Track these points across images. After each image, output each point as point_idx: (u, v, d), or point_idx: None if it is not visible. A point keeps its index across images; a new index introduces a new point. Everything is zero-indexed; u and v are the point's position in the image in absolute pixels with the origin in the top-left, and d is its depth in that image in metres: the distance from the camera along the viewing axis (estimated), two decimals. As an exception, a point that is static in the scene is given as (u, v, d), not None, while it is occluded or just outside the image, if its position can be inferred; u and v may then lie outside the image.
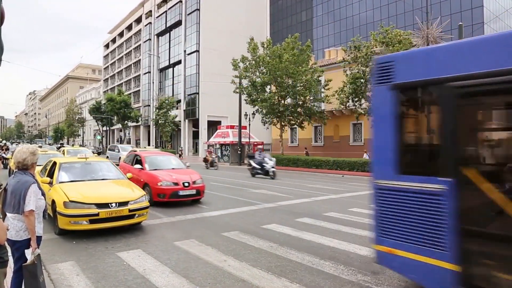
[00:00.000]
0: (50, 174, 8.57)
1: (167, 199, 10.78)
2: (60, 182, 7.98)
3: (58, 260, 5.77)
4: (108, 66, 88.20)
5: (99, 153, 44.60)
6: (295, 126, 33.58)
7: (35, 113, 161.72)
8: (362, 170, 23.29)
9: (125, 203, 7.37)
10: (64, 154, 18.52)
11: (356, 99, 26.26)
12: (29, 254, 3.57)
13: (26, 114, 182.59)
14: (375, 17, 51.14)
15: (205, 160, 29.01)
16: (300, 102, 31.04)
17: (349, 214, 9.86)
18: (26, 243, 3.61)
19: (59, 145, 26.39)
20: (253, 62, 31.41)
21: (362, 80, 25.20)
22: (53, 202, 7.33)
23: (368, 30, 36.62)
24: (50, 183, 7.94)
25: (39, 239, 3.74)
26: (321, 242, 6.99)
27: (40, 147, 27.40)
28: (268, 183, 17.56)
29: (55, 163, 8.94)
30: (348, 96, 26.24)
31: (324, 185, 17.15)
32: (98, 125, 67.86)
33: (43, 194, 3.82)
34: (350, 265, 5.65)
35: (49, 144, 58.38)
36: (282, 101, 30.97)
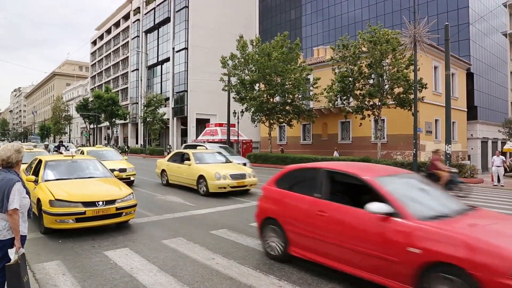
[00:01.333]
0: (36, 172, 8.43)
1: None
2: (45, 180, 7.87)
3: (44, 260, 5.69)
4: (95, 63, 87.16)
5: (125, 152, 43.91)
6: (284, 124, 33.66)
7: (20, 110, 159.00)
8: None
9: (112, 202, 7.29)
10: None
11: (345, 97, 26.42)
12: (12, 253, 3.51)
13: (10, 111, 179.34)
14: (363, 16, 51.49)
15: None
16: (289, 100, 31.12)
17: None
18: (10, 243, 3.56)
19: (58, 144, 24.90)
20: (242, 60, 31.37)
21: (350, 79, 25.36)
22: (39, 200, 7.22)
23: (357, 29, 36.89)
24: (36, 182, 7.81)
25: (23, 238, 3.69)
26: (309, 239, 7.02)
27: (35, 146, 26.40)
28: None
29: (40, 161, 8.81)
30: (337, 94, 26.37)
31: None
32: (85, 122, 66.99)
33: (27, 192, 3.76)
34: (338, 262, 5.68)
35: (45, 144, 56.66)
36: (271, 99, 31.01)
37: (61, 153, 18.46)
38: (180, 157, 14.52)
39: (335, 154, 29.47)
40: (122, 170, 13.67)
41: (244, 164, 17.58)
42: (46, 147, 30.28)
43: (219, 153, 15.53)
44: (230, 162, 14.40)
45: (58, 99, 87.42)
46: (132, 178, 14.60)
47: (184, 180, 13.61)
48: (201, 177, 12.51)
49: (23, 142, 47.38)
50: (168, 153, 45.76)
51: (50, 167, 8.45)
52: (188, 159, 13.59)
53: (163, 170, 15.26)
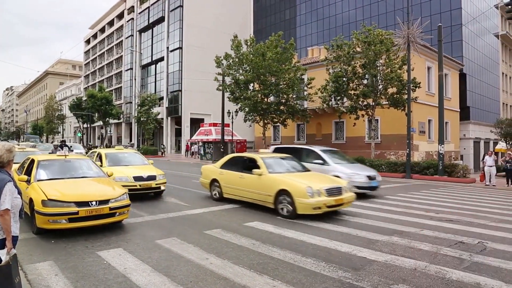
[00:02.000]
0: (28, 172, 8.36)
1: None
2: (38, 180, 7.80)
3: (36, 260, 5.64)
4: (89, 62, 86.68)
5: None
6: (278, 124, 33.69)
7: (12, 110, 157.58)
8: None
9: (105, 201, 7.25)
10: (102, 161, 12.43)
11: (339, 97, 26.49)
12: (3, 254, 3.47)
13: (2, 110, 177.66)
14: (357, 17, 51.66)
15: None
16: (283, 100, 31.16)
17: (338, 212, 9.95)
18: (1, 243, 3.52)
19: (59, 143, 21.62)
20: (237, 59, 31.35)
21: (344, 79, 25.43)
22: (31, 200, 7.16)
23: (351, 29, 37.01)
24: (28, 181, 7.74)
25: (15, 239, 3.65)
26: (303, 239, 7.04)
27: (34, 146, 24.37)
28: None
29: (33, 160, 8.73)
30: (331, 94, 26.46)
31: (306, 183, 17.24)
32: (78, 122, 66.58)
33: (19, 192, 3.72)
34: (331, 262, 5.72)
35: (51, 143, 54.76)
36: (265, 99, 31.01)
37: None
38: (243, 163, 11.19)
39: None
40: (151, 178, 11.56)
41: (371, 178, 13.31)
42: (56, 148, 22.85)
43: (291, 157, 11.89)
44: (308, 170, 11.00)
45: (51, 98, 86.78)
46: (162, 188, 12.02)
47: (251, 195, 10.18)
48: (283, 192, 9.16)
49: (23, 141, 45.50)
50: (162, 153, 45.40)
51: (42, 167, 8.37)
52: (258, 166, 10.19)
53: (214, 180, 11.71)
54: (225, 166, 11.60)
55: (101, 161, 12.24)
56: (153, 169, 12.35)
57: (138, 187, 11.12)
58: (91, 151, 16.68)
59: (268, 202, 9.57)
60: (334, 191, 9.18)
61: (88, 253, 6.06)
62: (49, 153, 16.87)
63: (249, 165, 10.57)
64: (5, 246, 3.51)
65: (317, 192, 8.80)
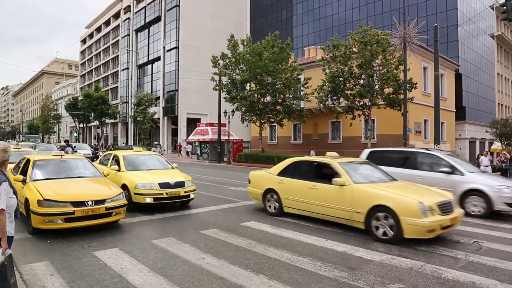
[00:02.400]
0: (24, 172, 8.32)
1: None
2: (33, 180, 7.76)
3: (31, 260, 5.62)
4: (85, 62, 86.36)
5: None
6: (275, 124, 33.72)
7: (7, 109, 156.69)
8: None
9: (101, 201, 7.22)
10: (120, 165, 10.66)
11: (335, 97, 26.55)
12: (-1, 255, 3.46)
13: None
14: (354, 17, 51.70)
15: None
16: (280, 100, 31.19)
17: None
18: (-4, 244, 3.50)
19: (63, 144, 17.95)
20: (233, 59, 31.35)
21: (340, 79, 25.48)
22: (27, 200, 7.13)
23: (347, 29, 37.00)
24: (24, 181, 7.71)
25: (10, 239, 3.63)
26: (299, 239, 7.05)
27: (34, 147, 23.14)
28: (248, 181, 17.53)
29: (28, 160, 8.69)
30: (327, 94, 26.51)
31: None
32: (74, 121, 66.34)
33: (15, 192, 3.71)
34: (328, 262, 5.73)
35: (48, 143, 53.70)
36: (262, 99, 31.03)
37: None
38: (312, 169, 9.04)
39: (312, 153, 29.54)
40: (179, 185, 9.80)
41: None
42: (63, 149, 15.81)
43: (368, 162, 9.65)
44: (395, 180, 8.58)
45: (47, 98, 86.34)
46: (191, 196, 10.24)
47: (328, 210, 7.95)
48: (380, 209, 7.00)
49: (22, 141, 44.72)
50: (159, 151, 43.23)
51: (38, 167, 8.33)
52: (336, 174, 7.97)
53: (270, 191, 9.38)
54: (285, 173, 9.29)
55: (118, 164, 10.71)
56: (180, 174, 10.74)
57: (165, 195, 9.43)
58: (104, 153, 14.49)
59: (356, 221, 7.41)
60: (446, 207, 7.08)
61: (84, 253, 6.04)
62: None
63: (322, 172, 8.60)
64: (0, 246, 3.49)
65: (429, 209, 6.68)
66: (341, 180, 7.71)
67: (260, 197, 9.74)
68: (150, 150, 24.92)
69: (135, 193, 9.36)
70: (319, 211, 8.18)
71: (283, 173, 9.31)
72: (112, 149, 42.48)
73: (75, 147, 25.13)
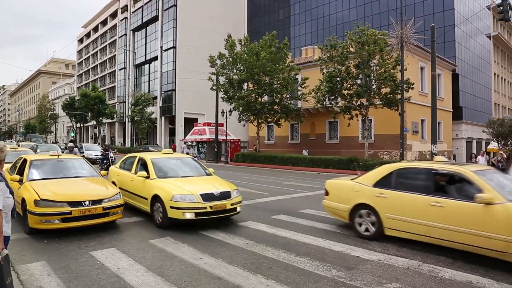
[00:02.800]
0: (20, 172, 8.29)
1: None
2: (30, 180, 7.74)
3: (28, 260, 5.60)
4: (82, 61, 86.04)
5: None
6: (272, 123, 33.73)
7: (4, 109, 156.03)
8: (337, 168, 23.64)
9: (99, 201, 7.21)
10: (149, 171, 8.67)
11: (332, 97, 26.58)
12: (-5, 254, 3.44)
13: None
14: (351, 17, 51.77)
15: None
16: (277, 100, 31.21)
17: (324, 211, 9.96)
18: (-7, 244, 3.48)
19: (71, 145, 16.16)
20: (231, 59, 31.35)
21: (338, 79, 25.52)
22: (23, 200, 7.10)
23: (345, 29, 37.10)
24: (20, 181, 7.68)
25: (7, 239, 3.62)
26: (296, 238, 7.06)
27: (35, 148, 21.67)
28: (245, 181, 17.57)
29: (25, 160, 8.66)
30: (325, 94, 26.54)
31: (300, 183, 17.32)
32: (71, 121, 66.10)
33: (11, 192, 3.69)
34: (325, 261, 5.74)
35: (45, 142, 53.05)
36: (259, 99, 31.04)
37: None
38: (435, 180, 6.66)
39: (304, 152, 29.62)
40: (225, 196, 7.93)
41: None
42: (71, 149, 15.04)
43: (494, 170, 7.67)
44: None
45: (43, 98, 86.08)
46: (238, 209, 8.32)
47: (464, 237, 5.81)
48: None
49: (23, 141, 44.34)
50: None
51: (35, 167, 8.31)
52: (473, 188, 5.95)
53: (363, 207, 7.23)
54: (385, 183, 7.09)
55: (146, 170, 8.77)
56: (223, 182, 8.76)
57: (209, 209, 7.60)
58: (124, 157, 11.28)
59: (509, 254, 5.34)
60: None
61: (81, 253, 6.03)
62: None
63: (447, 185, 6.63)
64: (-3, 246, 3.48)
65: None
66: (487, 196, 5.62)
67: (346, 214, 7.51)
68: (148, 151, 24.16)
69: (171, 207, 7.48)
70: (446, 237, 6.06)
71: (381, 183, 7.14)
72: (109, 149, 42.22)
73: (81, 147, 24.19)
